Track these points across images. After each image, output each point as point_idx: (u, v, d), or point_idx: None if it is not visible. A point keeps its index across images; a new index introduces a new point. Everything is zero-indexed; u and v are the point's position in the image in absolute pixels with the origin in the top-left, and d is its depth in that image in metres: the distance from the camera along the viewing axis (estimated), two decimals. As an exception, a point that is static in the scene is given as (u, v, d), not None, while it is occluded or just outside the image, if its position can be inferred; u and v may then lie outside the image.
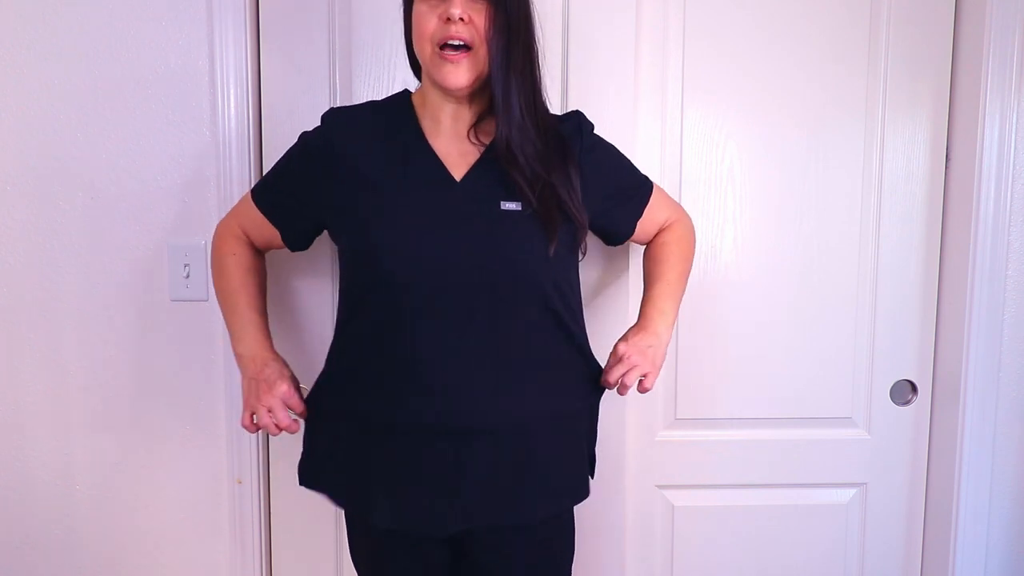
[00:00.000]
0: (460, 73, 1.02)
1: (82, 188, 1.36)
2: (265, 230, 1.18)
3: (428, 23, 1.02)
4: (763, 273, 1.51)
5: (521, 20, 1.04)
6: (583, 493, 1.17)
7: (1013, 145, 1.46)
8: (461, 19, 1.00)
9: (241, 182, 1.37)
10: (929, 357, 1.56)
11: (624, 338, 1.15)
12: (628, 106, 1.43)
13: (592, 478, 1.21)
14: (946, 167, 1.52)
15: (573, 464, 1.16)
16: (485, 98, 1.08)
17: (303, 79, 1.38)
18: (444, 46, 1.02)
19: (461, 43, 1.02)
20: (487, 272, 1.03)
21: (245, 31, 1.35)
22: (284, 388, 1.11)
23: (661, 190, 1.27)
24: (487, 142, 1.08)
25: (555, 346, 1.10)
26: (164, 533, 1.45)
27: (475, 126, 1.10)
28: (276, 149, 1.39)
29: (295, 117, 1.39)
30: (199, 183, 1.37)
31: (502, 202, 1.05)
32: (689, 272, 1.26)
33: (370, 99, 1.40)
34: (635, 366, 1.11)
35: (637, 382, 1.13)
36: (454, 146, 1.09)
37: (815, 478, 1.57)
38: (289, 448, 1.47)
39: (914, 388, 1.57)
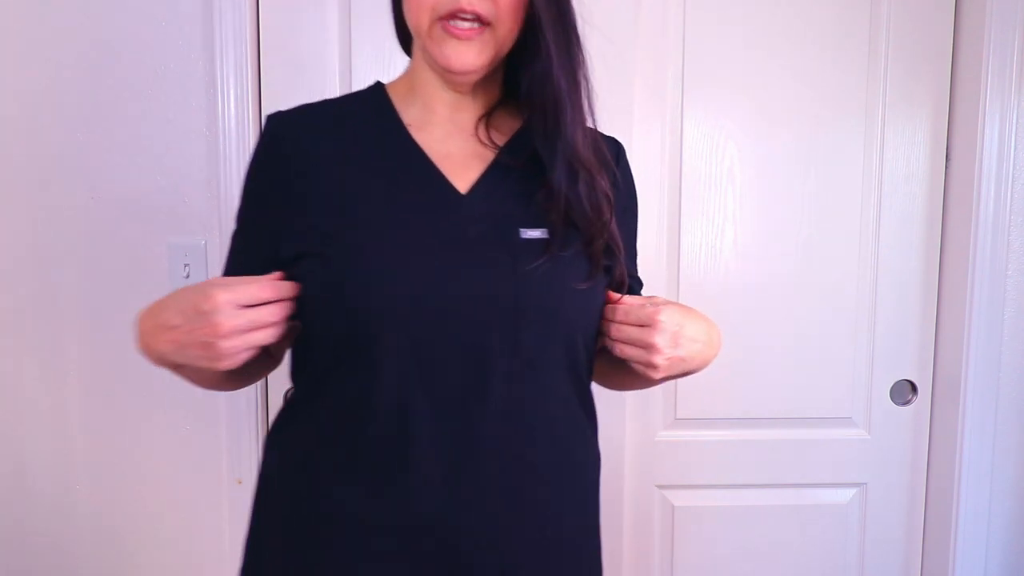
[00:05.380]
0: (469, 54, 0.75)
1: (82, 188, 1.36)
2: None
3: None
4: (763, 273, 1.51)
5: None
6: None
7: (1013, 145, 1.46)
8: None
9: (240, 182, 1.36)
10: (929, 357, 1.56)
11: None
12: (628, 106, 1.43)
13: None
14: (946, 167, 1.52)
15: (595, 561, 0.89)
16: (495, 85, 0.84)
17: (303, 79, 1.38)
18: (450, 16, 0.75)
19: (475, 17, 0.75)
20: (508, 325, 0.75)
21: (245, 31, 1.35)
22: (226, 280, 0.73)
23: None
24: (500, 143, 0.82)
25: (579, 421, 0.84)
26: (164, 533, 1.45)
27: (485, 118, 0.83)
28: (276, 149, 1.40)
29: (295, 117, 1.39)
30: (199, 183, 1.37)
31: (522, 229, 0.77)
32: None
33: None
34: (660, 330, 0.77)
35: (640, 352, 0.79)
36: (454, 144, 0.82)
37: (815, 478, 1.57)
38: (289, 448, 1.47)
39: (914, 388, 1.57)
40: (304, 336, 0.80)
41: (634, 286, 0.91)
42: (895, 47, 1.48)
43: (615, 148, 0.90)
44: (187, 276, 1.38)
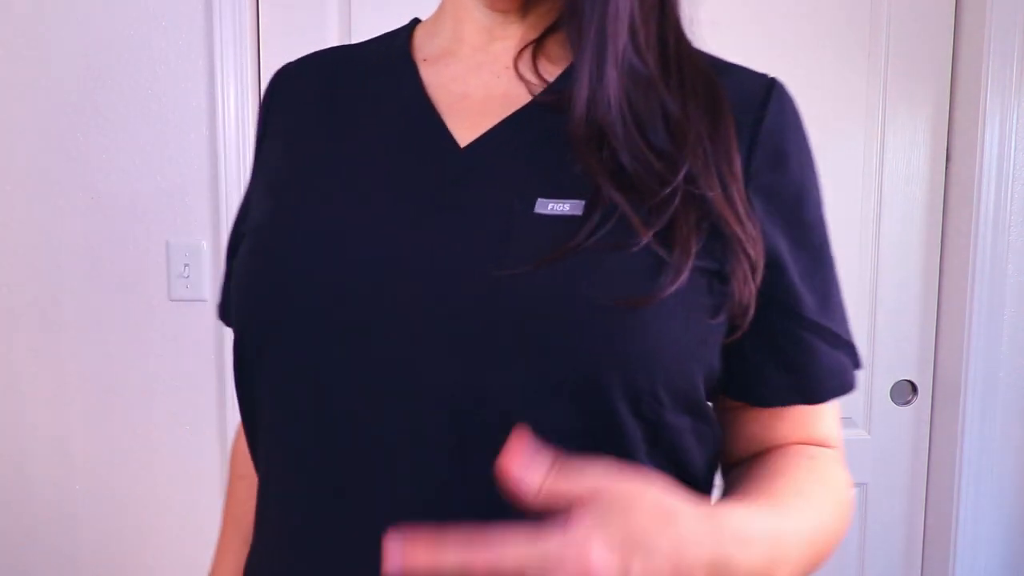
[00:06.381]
0: None
1: (82, 188, 1.36)
2: None
3: None
4: (763, 273, 1.50)
5: None
6: None
7: (1013, 145, 1.46)
8: None
9: (239, 182, 1.36)
10: (929, 357, 1.56)
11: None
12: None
13: None
14: (946, 167, 1.52)
15: None
16: (556, 8, 0.54)
17: (303, 79, 1.38)
18: None
19: None
20: (475, 361, 0.45)
21: (245, 31, 1.35)
22: None
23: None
24: (550, 79, 0.54)
25: None
26: (164, 533, 1.44)
27: (533, 47, 0.55)
28: (276, 149, 1.40)
29: (295, 117, 1.39)
30: (198, 183, 1.37)
31: (541, 199, 0.47)
32: (819, 553, 0.50)
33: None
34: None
35: None
36: (478, 82, 0.55)
37: (815, 478, 1.57)
38: (289, 448, 1.47)
39: (914, 388, 1.57)
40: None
41: (793, 333, 0.53)
42: (895, 47, 1.48)
43: (760, 88, 0.55)
44: (186, 276, 1.38)
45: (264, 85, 1.22)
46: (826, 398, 0.56)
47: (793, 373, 0.54)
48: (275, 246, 0.51)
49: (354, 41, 1.44)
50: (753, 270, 0.49)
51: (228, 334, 1.38)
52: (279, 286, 0.50)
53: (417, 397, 0.46)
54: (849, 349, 0.56)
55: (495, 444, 0.41)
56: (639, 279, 0.45)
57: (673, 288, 0.45)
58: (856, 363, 0.57)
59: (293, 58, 1.29)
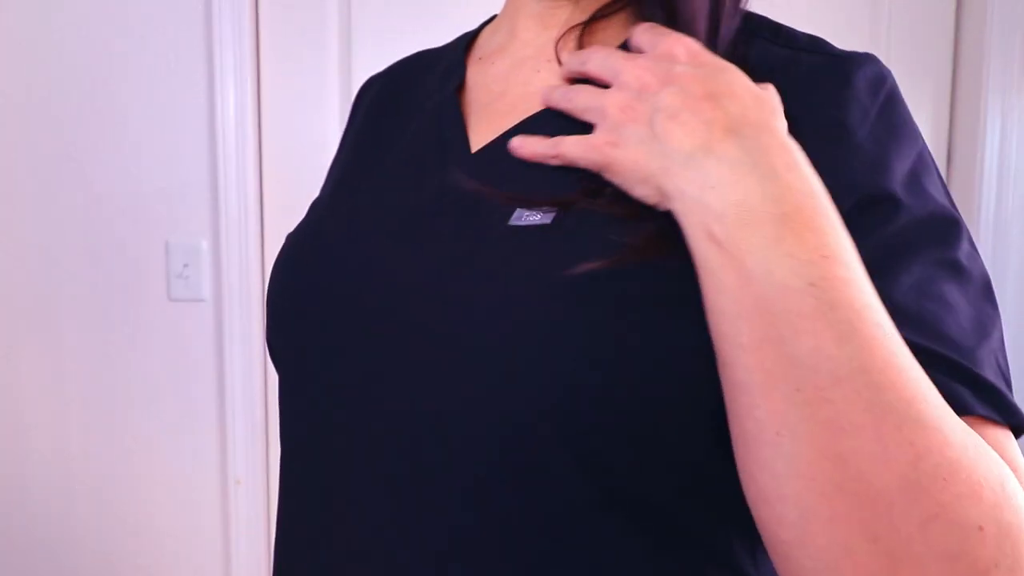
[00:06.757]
0: None
1: (82, 188, 1.36)
2: None
3: None
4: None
5: None
6: None
7: (1013, 145, 1.46)
8: None
9: (239, 182, 1.36)
10: (929, 357, 1.56)
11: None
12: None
13: None
14: (947, 168, 1.52)
15: None
16: None
17: (303, 79, 1.38)
18: None
19: None
20: (440, 362, 0.41)
21: (244, 31, 1.34)
22: None
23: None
24: None
25: None
26: (164, 534, 1.44)
27: (582, 28, 0.50)
28: (276, 149, 1.39)
29: (295, 117, 1.39)
30: (198, 183, 1.37)
31: (519, 211, 0.42)
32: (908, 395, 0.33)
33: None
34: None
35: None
36: (519, 78, 0.51)
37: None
38: (288, 448, 1.47)
39: (914, 388, 1.57)
40: None
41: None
42: (895, 47, 1.48)
43: (826, 67, 0.49)
44: (186, 276, 1.38)
45: (264, 84, 1.25)
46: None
47: None
48: (296, 255, 0.51)
49: (353, 43, 1.44)
50: None
51: (227, 334, 1.38)
52: (290, 297, 0.50)
53: (385, 413, 0.43)
54: (946, 364, 0.36)
55: (456, 465, 0.40)
56: (591, 293, 0.38)
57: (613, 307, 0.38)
58: (974, 385, 0.37)
59: (291, 58, 1.31)
